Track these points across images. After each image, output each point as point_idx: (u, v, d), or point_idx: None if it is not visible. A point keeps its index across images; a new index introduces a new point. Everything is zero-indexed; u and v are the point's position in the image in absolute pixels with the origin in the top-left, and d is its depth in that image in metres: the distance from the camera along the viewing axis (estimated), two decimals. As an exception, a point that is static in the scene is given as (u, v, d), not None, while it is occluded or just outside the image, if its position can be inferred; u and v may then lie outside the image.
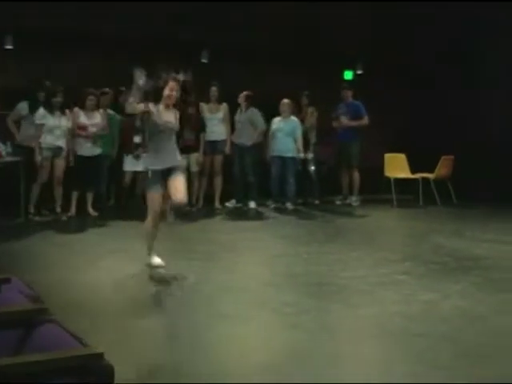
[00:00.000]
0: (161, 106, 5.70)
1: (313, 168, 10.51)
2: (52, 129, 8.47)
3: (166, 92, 5.69)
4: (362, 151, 10.89)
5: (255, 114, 10.13)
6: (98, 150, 8.88)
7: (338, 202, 10.91)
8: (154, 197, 5.68)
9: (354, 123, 10.69)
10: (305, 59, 11.29)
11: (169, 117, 5.75)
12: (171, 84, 5.69)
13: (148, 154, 5.97)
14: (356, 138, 10.72)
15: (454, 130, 11.37)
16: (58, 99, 8.50)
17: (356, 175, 10.83)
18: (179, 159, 5.91)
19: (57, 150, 8.56)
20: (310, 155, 10.41)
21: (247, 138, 10.06)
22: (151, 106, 5.63)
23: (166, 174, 5.67)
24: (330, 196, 10.93)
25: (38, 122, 8.41)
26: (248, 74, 10.84)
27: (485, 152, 11.33)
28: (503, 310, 4.66)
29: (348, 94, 10.88)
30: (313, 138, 10.62)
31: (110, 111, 9.16)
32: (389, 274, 5.72)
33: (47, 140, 8.47)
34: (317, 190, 10.74)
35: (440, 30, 11.56)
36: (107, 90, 9.12)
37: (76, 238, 7.51)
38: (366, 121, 10.67)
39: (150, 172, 5.70)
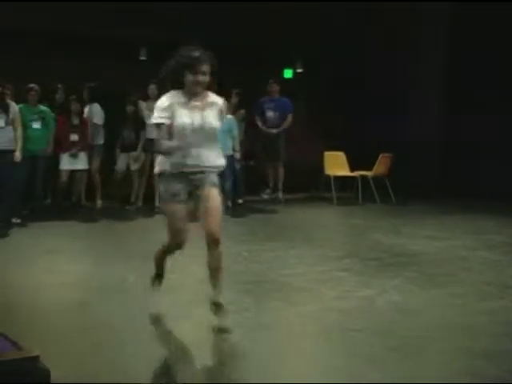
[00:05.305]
0: None
1: (238, 167, 10.39)
2: None
3: None
4: (302, 149, 10.99)
5: None
6: None
7: (265, 197, 10.85)
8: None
9: (283, 125, 10.64)
10: (244, 56, 11.31)
11: None
12: None
13: None
14: (281, 132, 10.69)
15: (392, 129, 11.59)
16: None
17: (281, 170, 10.79)
18: None
19: None
20: (237, 154, 10.31)
21: None
22: None
23: None
24: (257, 191, 10.91)
25: None
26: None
27: (422, 150, 11.64)
28: (436, 304, 4.79)
29: (275, 89, 10.76)
30: (241, 136, 10.57)
31: (44, 107, 8.90)
32: (328, 271, 5.81)
33: None
34: (242, 190, 10.42)
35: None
36: (33, 85, 8.77)
37: (9, 238, 7.30)
38: (290, 119, 10.65)
39: None
